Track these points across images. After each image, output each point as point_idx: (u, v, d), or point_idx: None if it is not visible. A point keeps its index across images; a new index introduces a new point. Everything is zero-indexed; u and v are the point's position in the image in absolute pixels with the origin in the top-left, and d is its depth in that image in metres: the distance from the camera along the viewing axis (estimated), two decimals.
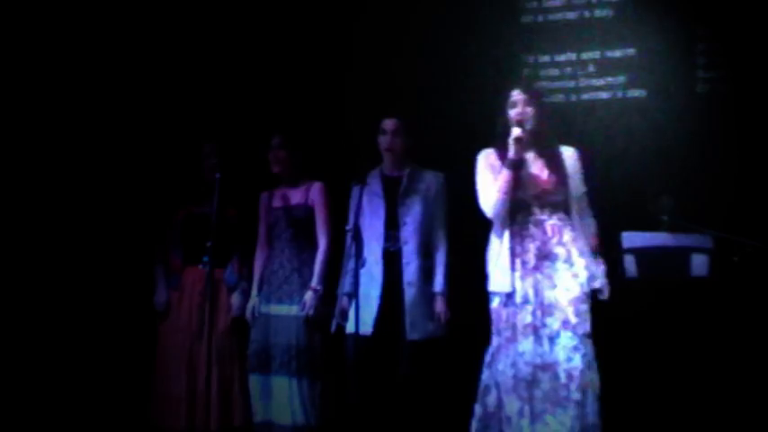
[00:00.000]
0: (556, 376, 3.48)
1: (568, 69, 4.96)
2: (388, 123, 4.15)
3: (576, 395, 3.44)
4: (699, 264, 4.27)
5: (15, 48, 4.89)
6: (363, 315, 3.82)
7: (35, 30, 4.95)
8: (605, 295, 3.57)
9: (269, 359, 4.26)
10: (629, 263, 4.38)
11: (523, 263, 3.58)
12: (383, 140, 4.15)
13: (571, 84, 4.94)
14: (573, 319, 3.49)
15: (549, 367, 3.49)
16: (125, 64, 5.15)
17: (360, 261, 3.89)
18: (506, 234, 3.61)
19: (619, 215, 4.47)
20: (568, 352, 3.47)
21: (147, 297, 4.58)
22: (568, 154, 3.67)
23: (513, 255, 3.59)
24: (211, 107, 5.13)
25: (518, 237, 3.61)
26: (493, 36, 5.01)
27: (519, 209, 3.62)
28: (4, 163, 4.81)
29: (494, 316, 3.63)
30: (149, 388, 4.45)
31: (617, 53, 4.88)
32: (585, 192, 3.65)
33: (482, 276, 3.80)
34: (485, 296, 3.71)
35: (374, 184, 4.13)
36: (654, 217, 4.45)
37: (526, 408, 3.48)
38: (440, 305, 4.04)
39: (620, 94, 4.88)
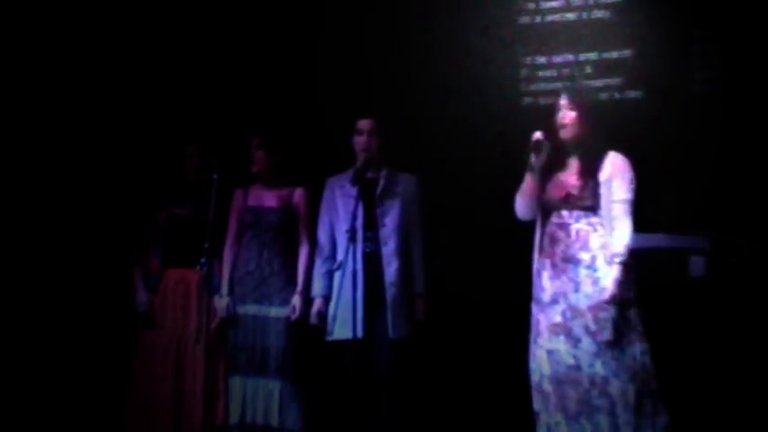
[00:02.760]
0: (581, 380, 3.50)
1: (566, 70, 4.96)
2: (365, 123, 4.17)
3: (600, 401, 3.45)
4: (696, 265, 4.27)
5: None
6: (349, 319, 3.87)
7: (19, 31, 4.94)
8: (604, 297, 3.49)
9: (252, 360, 4.26)
10: None
11: (552, 264, 3.61)
12: (359, 141, 4.17)
13: (568, 85, 4.94)
14: (592, 326, 3.50)
15: (576, 369, 3.51)
16: (107, 65, 5.15)
17: (337, 263, 3.95)
18: (539, 236, 3.66)
19: None
20: (590, 358, 3.49)
21: (124, 299, 4.55)
22: (612, 160, 3.64)
23: (543, 255, 3.63)
24: (195, 108, 5.12)
25: (547, 238, 3.66)
26: (490, 37, 5.00)
27: (549, 211, 3.66)
28: None
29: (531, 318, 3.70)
30: (126, 392, 4.41)
31: (614, 54, 4.88)
32: (624, 200, 3.59)
33: (458, 277, 3.84)
34: (459, 297, 3.75)
35: (348, 186, 4.13)
36: (651, 218, 4.45)
37: (552, 406, 3.51)
38: (421, 305, 4.08)
39: (617, 96, 4.88)
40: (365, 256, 4.06)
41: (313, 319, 4.17)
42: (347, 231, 3.86)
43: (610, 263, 3.52)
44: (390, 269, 4.08)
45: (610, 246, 3.54)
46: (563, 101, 3.70)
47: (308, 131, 5.01)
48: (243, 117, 5.04)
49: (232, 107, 5.15)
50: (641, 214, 4.43)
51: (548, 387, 3.55)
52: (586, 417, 3.48)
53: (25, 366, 4.76)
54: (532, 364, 3.64)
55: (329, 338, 4.08)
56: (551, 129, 3.69)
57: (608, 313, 3.50)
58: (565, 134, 3.67)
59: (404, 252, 4.13)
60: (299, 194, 4.44)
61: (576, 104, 3.67)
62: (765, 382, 4.06)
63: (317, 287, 4.19)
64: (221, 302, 4.35)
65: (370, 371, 4.03)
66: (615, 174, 3.61)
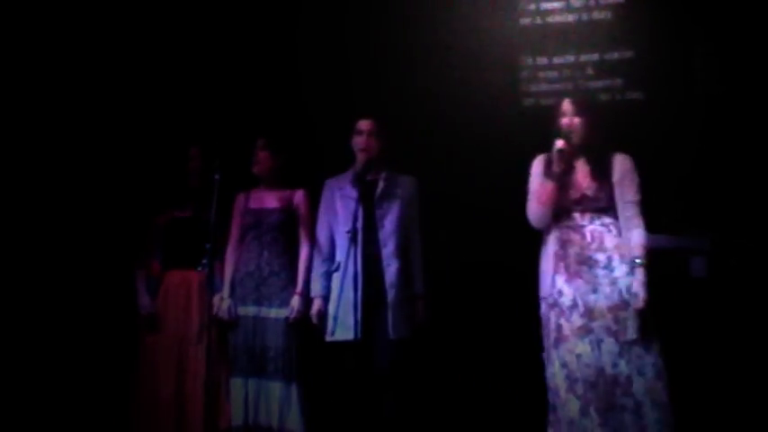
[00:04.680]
0: (605, 381, 3.50)
1: (567, 72, 4.96)
2: (364, 124, 4.18)
3: (624, 401, 3.46)
4: (697, 266, 4.28)
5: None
6: (349, 320, 3.85)
7: (18, 32, 4.94)
8: (639, 304, 3.54)
9: (252, 361, 4.27)
10: None
11: (566, 267, 3.62)
12: (358, 141, 4.18)
13: (570, 86, 4.94)
14: (613, 326, 3.52)
15: (600, 371, 3.51)
16: (108, 67, 5.14)
17: (336, 264, 3.96)
18: (550, 239, 3.66)
19: None
20: (613, 358, 3.50)
21: (127, 302, 4.55)
22: (620, 161, 3.71)
23: (557, 259, 3.63)
24: (196, 110, 5.13)
25: (560, 241, 3.66)
26: (491, 38, 5.01)
27: (561, 214, 3.68)
28: None
29: (542, 321, 3.69)
30: (131, 395, 4.42)
31: (615, 55, 4.88)
32: (636, 200, 3.65)
33: (457, 277, 3.95)
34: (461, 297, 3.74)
35: (347, 188, 4.15)
36: (652, 219, 4.45)
37: (591, 408, 3.50)
38: (420, 306, 4.10)
39: (618, 97, 4.89)
40: (365, 257, 4.08)
41: (313, 319, 4.19)
42: (348, 232, 3.87)
43: (632, 266, 3.55)
44: (390, 270, 4.09)
45: (625, 247, 3.57)
46: (568, 106, 3.72)
47: (310, 134, 5.01)
48: (245, 119, 5.04)
49: (234, 109, 5.15)
50: (643, 215, 4.47)
51: (579, 390, 3.53)
52: (612, 416, 3.48)
53: (29, 370, 4.75)
54: (553, 369, 3.60)
55: (329, 339, 4.09)
56: (555, 133, 3.71)
57: (627, 313, 3.53)
58: (574, 139, 3.69)
59: (403, 253, 4.15)
60: (299, 196, 4.46)
61: (581, 109, 3.70)
62: (766, 381, 4.06)
63: (316, 287, 4.21)
64: (223, 304, 4.36)
65: (371, 371, 4.04)
66: (626, 175, 3.67)
